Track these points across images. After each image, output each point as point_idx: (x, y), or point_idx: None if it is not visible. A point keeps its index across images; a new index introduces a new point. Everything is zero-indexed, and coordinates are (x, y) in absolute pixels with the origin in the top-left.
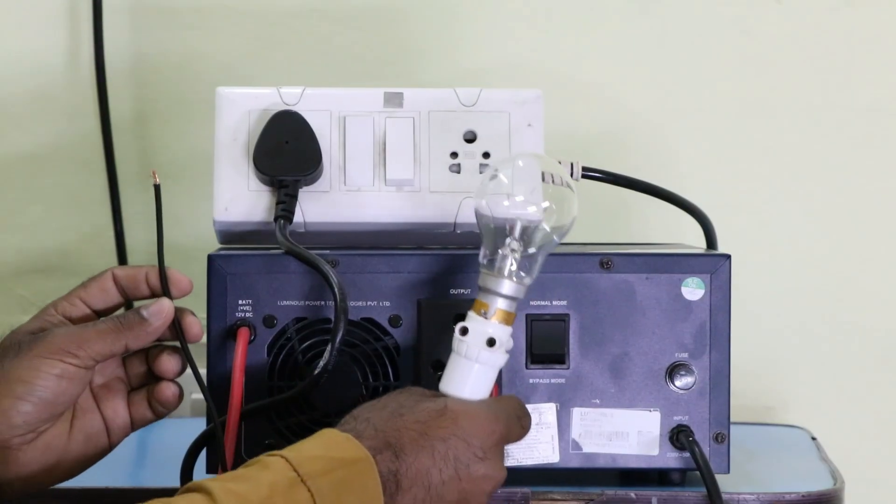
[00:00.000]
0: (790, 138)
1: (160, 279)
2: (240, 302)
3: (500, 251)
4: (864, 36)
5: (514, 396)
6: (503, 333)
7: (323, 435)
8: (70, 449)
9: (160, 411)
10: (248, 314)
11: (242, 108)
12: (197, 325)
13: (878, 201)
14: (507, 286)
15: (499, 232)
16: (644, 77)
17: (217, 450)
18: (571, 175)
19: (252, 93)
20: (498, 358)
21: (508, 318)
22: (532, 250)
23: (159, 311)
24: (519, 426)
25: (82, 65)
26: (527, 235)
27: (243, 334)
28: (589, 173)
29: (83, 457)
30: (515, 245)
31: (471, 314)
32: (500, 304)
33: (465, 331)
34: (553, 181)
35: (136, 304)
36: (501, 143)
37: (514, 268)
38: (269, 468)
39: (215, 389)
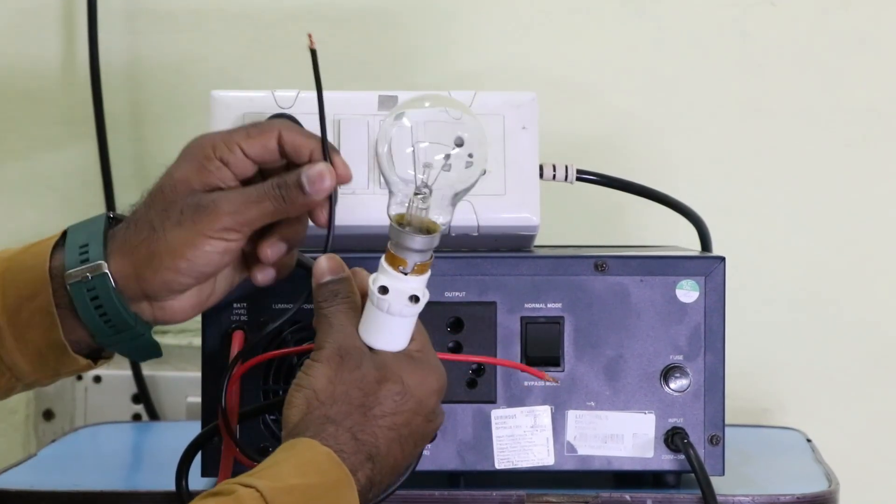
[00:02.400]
0: (785, 140)
1: (323, 154)
2: (235, 305)
3: (409, 201)
4: (859, 38)
5: (428, 340)
6: (422, 286)
7: (301, 451)
8: (215, 289)
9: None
10: (242, 317)
11: (237, 112)
12: (346, 167)
13: (873, 204)
14: (422, 241)
15: (406, 180)
16: (639, 80)
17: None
18: (566, 178)
19: (247, 96)
20: (419, 308)
21: (425, 268)
22: (443, 198)
23: (322, 188)
24: (444, 378)
25: (77, 68)
26: (437, 182)
27: (238, 338)
28: (584, 176)
29: (229, 286)
30: (426, 192)
31: (387, 268)
32: (417, 259)
33: (384, 290)
34: (460, 122)
35: None
36: (496, 147)
37: (426, 219)
38: None
39: (211, 393)
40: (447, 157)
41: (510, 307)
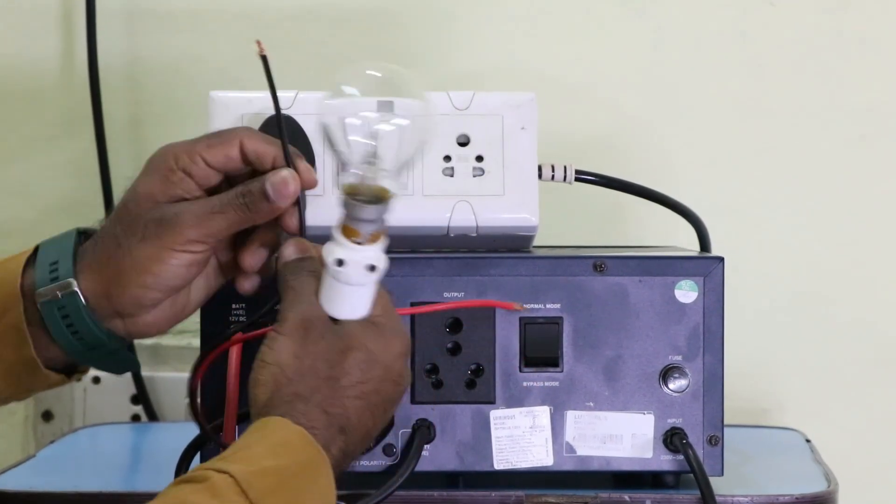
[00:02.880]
0: (784, 140)
1: (285, 159)
2: (233, 306)
3: (357, 171)
4: (859, 38)
5: (390, 305)
6: (378, 254)
7: (273, 431)
8: (190, 300)
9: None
10: (241, 318)
11: (236, 112)
12: (311, 172)
13: (872, 204)
14: (373, 211)
15: (353, 149)
16: (638, 80)
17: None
18: (565, 179)
19: (245, 97)
20: (378, 275)
21: (379, 236)
22: (392, 164)
23: (286, 193)
24: (409, 340)
25: (76, 68)
26: (384, 149)
27: (237, 343)
28: (583, 176)
29: (206, 295)
30: (373, 161)
31: (341, 240)
32: (370, 228)
33: (340, 262)
34: (400, 87)
35: None
36: (495, 147)
37: (377, 187)
38: (218, 494)
39: (209, 394)
40: (390, 123)
41: None
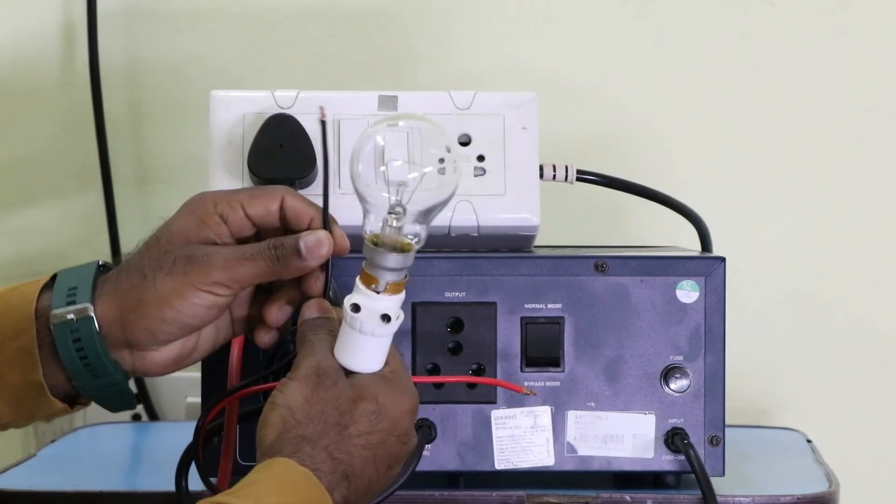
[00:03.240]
0: (785, 140)
1: (324, 222)
2: None
3: (383, 221)
4: (859, 38)
5: (402, 363)
6: (395, 305)
7: (279, 471)
8: (198, 346)
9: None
10: None
11: (237, 112)
12: (345, 239)
13: (873, 204)
14: (395, 259)
15: (380, 199)
16: (639, 80)
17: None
18: (566, 178)
19: (246, 96)
20: (392, 328)
21: (399, 288)
22: (418, 217)
23: (318, 254)
24: (417, 399)
25: (77, 68)
26: (411, 201)
27: (238, 339)
28: (584, 176)
29: (212, 346)
30: (399, 212)
31: (360, 287)
32: (390, 278)
33: (356, 308)
34: (435, 142)
35: None
36: (496, 147)
37: (400, 238)
38: None
39: (210, 394)
40: (421, 175)
41: (510, 307)
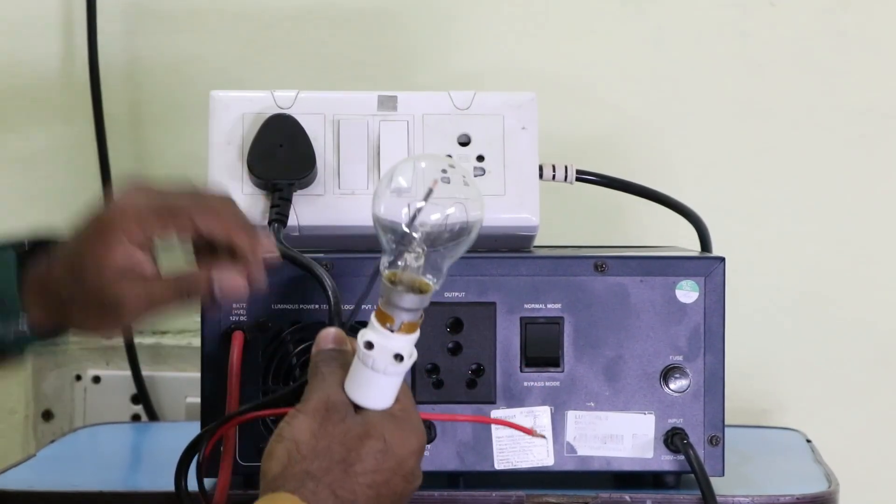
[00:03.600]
0: (785, 140)
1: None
2: (234, 306)
3: (401, 260)
4: (859, 37)
5: (412, 401)
6: (409, 345)
7: None
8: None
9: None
10: (242, 318)
11: (236, 112)
12: (274, 250)
13: (872, 203)
14: (412, 300)
15: (399, 239)
16: (639, 80)
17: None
18: (565, 179)
19: (246, 96)
20: (404, 367)
21: (413, 328)
22: (436, 258)
23: (234, 298)
24: (425, 439)
25: (76, 68)
26: (430, 242)
27: (237, 338)
28: (583, 176)
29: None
30: (418, 252)
31: (375, 324)
32: (405, 318)
33: (370, 345)
34: (454, 182)
35: None
36: (495, 147)
37: (419, 278)
38: None
39: (210, 394)
40: (444, 216)
41: (510, 307)
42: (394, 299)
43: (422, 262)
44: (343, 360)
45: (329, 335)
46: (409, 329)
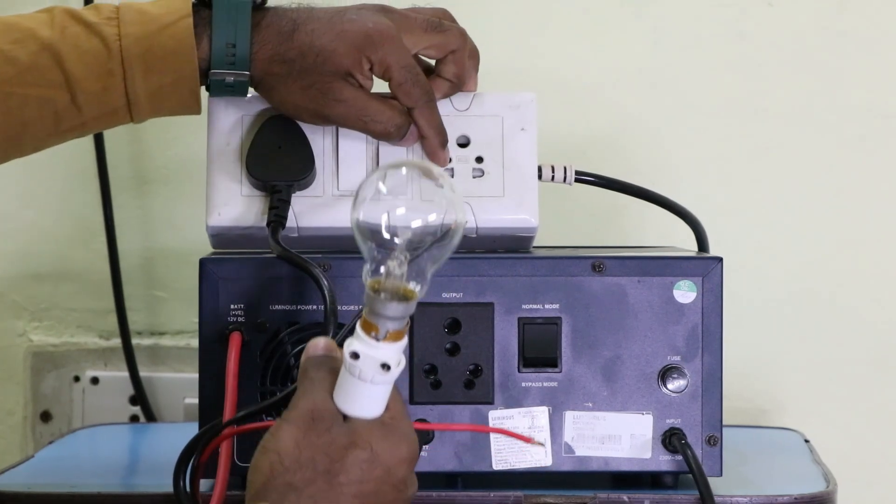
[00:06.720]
0: (782, 141)
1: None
2: (232, 307)
3: (383, 268)
4: (857, 38)
5: (403, 408)
6: (395, 354)
7: None
8: None
9: None
10: (240, 319)
11: (235, 113)
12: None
13: (870, 204)
14: (396, 308)
15: (381, 247)
16: (637, 80)
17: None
18: (564, 180)
19: (245, 98)
20: (392, 376)
21: (399, 336)
22: (420, 264)
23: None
24: (417, 446)
25: None
26: (412, 248)
27: (235, 339)
28: (582, 177)
29: None
30: (401, 259)
31: (360, 333)
32: (390, 326)
33: (355, 355)
34: (435, 186)
35: None
36: (494, 148)
37: (403, 285)
38: None
39: (208, 394)
40: (425, 222)
41: (508, 308)
42: (378, 308)
43: (405, 268)
44: (332, 366)
45: (319, 344)
46: (395, 337)
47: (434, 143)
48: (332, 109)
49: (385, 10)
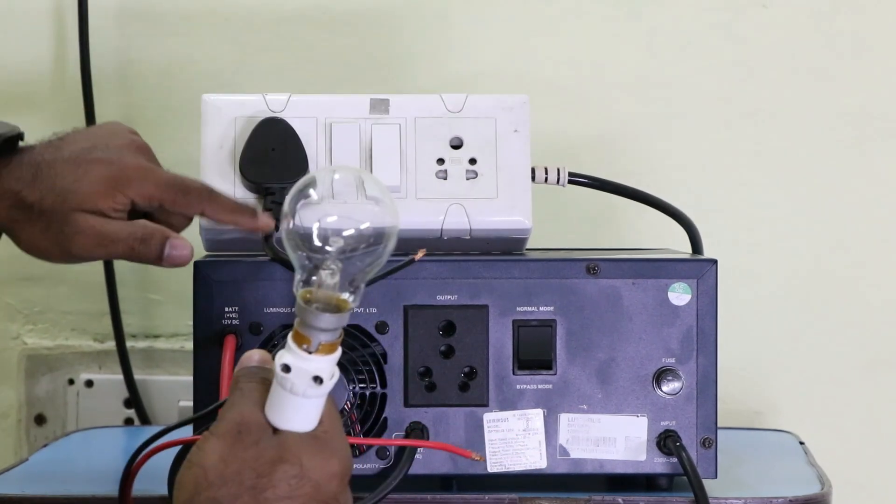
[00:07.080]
0: (777, 143)
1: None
2: (226, 309)
3: (315, 278)
4: (851, 40)
5: (337, 422)
6: (328, 366)
7: None
8: None
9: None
10: (234, 321)
11: (228, 116)
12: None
13: (865, 206)
14: (329, 320)
15: (313, 255)
16: (631, 83)
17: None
18: (558, 181)
19: (238, 100)
20: (325, 389)
21: (332, 348)
22: (352, 273)
23: (176, 264)
24: (349, 461)
25: (68, 71)
26: (344, 256)
27: (230, 342)
28: (576, 179)
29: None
30: (333, 269)
31: (291, 345)
32: (323, 338)
33: (287, 368)
34: (369, 195)
35: None
36: (488, 149)
37: (335, 295)
38: None
39: (202, 397)
40: (356, 230)
41: (502, 310)
42: (309, 319)
43: (337, 278)
44: (265, 377)
45: (253, 356)
46: (328, 350)
47: (245, 219)
48: (72, 243)
49: (137, 149)
